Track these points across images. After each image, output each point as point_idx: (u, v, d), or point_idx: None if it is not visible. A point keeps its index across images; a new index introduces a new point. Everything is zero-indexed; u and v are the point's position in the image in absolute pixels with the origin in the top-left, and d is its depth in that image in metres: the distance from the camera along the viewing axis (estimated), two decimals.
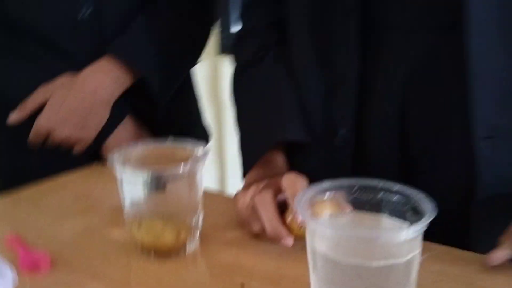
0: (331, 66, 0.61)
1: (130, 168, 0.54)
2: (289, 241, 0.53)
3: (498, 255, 0.50)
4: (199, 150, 0.55)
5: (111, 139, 0.75)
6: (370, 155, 0.62)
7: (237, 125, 0.69)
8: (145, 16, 0.77)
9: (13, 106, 0.74)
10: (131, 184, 0.54)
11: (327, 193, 0.45)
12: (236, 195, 0.60)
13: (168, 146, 0.57)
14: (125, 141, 0.74)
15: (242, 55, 0.72)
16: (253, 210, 0.55)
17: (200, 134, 0.93)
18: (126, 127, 0.76)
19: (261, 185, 0.58)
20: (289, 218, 0.53)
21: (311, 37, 0.63)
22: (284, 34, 0.67)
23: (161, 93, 0.77)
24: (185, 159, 0.54)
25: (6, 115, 0.75)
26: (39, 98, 0.73)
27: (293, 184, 0.54)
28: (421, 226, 0.40)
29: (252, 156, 0.62)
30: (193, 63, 0.87)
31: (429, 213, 0.40)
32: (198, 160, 0.54)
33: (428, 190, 0.45)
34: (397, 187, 0.44)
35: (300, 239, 0.49)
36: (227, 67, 1.73)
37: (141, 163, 0.55)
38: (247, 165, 0.63)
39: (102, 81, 0.73)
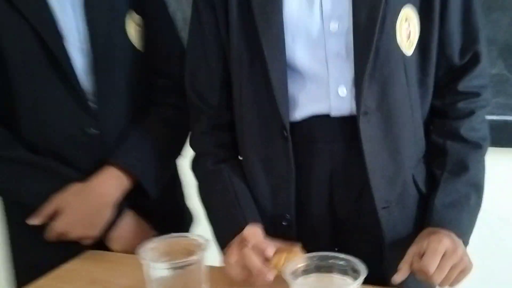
0: (275, 173, 0.86)
1: (155, 259, 0.74)
2: (271, 275, 0.73)
3: (399, 276, 0.77)
4: (204, 241, 0.77)
5: (114, 232, 0.93)
6: (309, 228, 0.88)
7: (209, 221, 0.91)
8: (139, 130, 0.97)
9: (29, 209, 0.90)
10: (157, 270, 0.74)
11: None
12: (225, 259, 0.81)
13: (180, 239, 0.79)
14: (125, 232, 0.94)
15: (200, 171, 0.93)
16: (241, 264, 0.76)
17: (186, 216, 1.12)
18: (126, 220, 0.94)
19: (236, 246, 0.79)
20: (273, 262, 0.75)
21: (258, 154, 0.87)
22: (232, 151, 0.91)
23: (155, 190, 0.96)
24: (196, 248, 0.75)
25: (23, 214, 0.90)
26: (53, 206, 0.90)
27: (253, 235, 0.79)
28: (361, 280, 0.66)
29: (224, 240, 0.85)
30: (179, 154, 1.05)
31: (363, 272, 0.67)
32: (205, 249, 0.76)
33: (352, 242, 0.72)
34: (342, 255, 0.71)
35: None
36: None
37: (164, 254, 0.76)
38: (222, 245, 0.86)
39: (107, 188, 0.91)
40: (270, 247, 0.76)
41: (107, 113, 0.96)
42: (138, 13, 0.98)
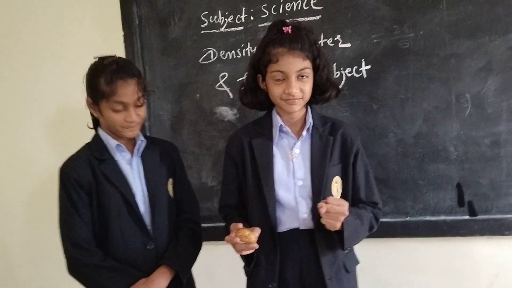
0: (269, 259, 1.46)
1: None
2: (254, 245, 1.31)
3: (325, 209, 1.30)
4: None
5: None
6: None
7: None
8: (176, 243, 1.54)
9: None
10: None
11: None
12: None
13: None
14: None
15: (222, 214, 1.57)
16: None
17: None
18: None
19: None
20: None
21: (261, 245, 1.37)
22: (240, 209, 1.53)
23: (186, 276, 1.52)
24: None
25: None
26: None
27: (235, 226, 1.34)
28: None
29: None
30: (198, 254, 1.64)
31: None
32: None
33: None
34: None
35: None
36: None
37: None
38: None
39: (163, 281, 1.47)
40: (240, 225, 1.33)
41: (158, 235, 1.52)
42: (172, 177, 1.62)
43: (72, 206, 1.46)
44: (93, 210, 1.48)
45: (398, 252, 1.94)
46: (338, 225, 1.30)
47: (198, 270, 1.65)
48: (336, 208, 1.28)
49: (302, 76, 1.38)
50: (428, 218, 1.87)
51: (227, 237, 1.33)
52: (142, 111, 1.50)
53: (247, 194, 1.48)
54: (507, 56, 1.77)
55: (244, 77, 1.77)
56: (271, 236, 1.42)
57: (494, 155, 1.81)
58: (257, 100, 1.49)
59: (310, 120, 1.45)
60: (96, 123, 1.59)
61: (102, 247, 1.49)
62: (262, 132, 1.47)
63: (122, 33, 2.06)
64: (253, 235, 1.28)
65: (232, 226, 1.33)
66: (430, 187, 1.86)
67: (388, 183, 1.89)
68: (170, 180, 1.60)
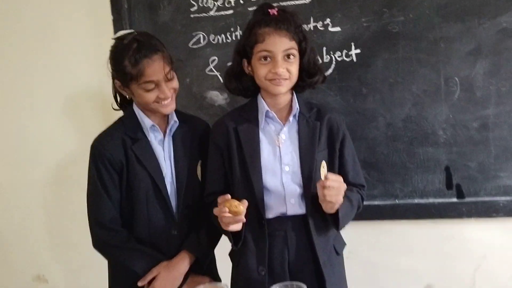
0: (258, 245, 1.46)
1: None
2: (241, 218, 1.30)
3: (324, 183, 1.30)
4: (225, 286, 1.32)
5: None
6: (276, 274, 1.41)
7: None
8: (198, 229, 1.53)
9: (133, 278, 1.46)
10: None
11: None
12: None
13: (212, 285, 1.32)
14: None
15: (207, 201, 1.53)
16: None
17: (216, 272, 1.66)
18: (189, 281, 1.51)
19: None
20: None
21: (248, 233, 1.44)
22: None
23: (206, 261, 1.53)
24: None
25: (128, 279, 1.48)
26: (154, 274, 1.45)
27: (223, 198, 1.30)
28: None
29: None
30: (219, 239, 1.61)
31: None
32: None
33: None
34: (293, 282, 1.19)
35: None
36: None
37: None
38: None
39: (184, 265, 1.47)
40: (229, 196, 1.29)
41: (183, 219, 1.52)
42: (202, 159, 1.56)
43: (101, 185, 1.47)
44: (122, 190, 1.48)
45: (387, 235, 1.96)
46: (340, 200, 1.31)
47: None
48: (338, 183, 1.30)
49: (289, 57, 1.38)
50: (416, 200, 1.89)
51: (215, 209, 1.31)
52: (175, 83, 1.48)
53: (233, 180, 1.48)
54: (496, 39, 1.77)
55: None
56: (259, 222, 1.42)
57: (482, 138, 1.82)
58: (242, 86, 1.49)
59: (296, 105, 1.45)
60: (123, 102, 1.58)
61: (128, 226, 1.50)
62: (248, 118, 1.47)
63: (111, 17, 2.04)
64: (242, 205, 1.27)
65: (220, 198, 1.31)
66: (418, 170, 1.87)
67: (377, 167, 1.90)
68: (199, 162, 1.57)
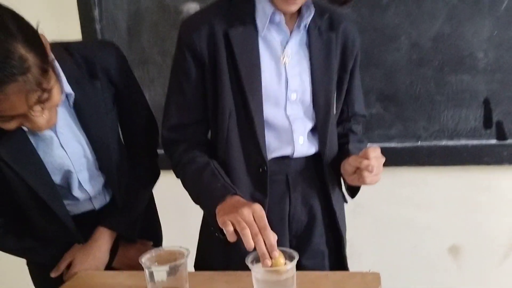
0: (255, 194, 1.11)
1: (155, 264, 0.94)
2: (268, 262, 0.86)
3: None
4: (186, 250, 0.97)
5: (114, 262, 1.28)
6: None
7: (195, 197, 1.09)
8: (123, 202, 1.28)
9: (48, 266, 1.25)
10: (156, 272, 0.93)
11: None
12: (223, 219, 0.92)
13: (168, 251, 0.98)
14: (124, 259, 1.30)
15: (174, 159, 1.14)
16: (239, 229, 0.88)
17: (158, 226, 1.46)
18: (120, 252, 1.30)
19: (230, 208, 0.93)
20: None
21: (242, 181, 1.09)
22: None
23: (133, 235, 1.30)
24: (180, 256, 0.95)
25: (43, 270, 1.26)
26: (67, 260, 1.23)
27: (262, 218, 0.89)
28: (295, 261, 0.84)
29: (212, 209, 0.98)
30: (147, 200, 1.37)
31: (296, 256, 0.86)
32: (187, 255, 0.95)
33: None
34: (283, 248, 0.89)
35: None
36: None
37: (158, 261, 0.96)
38: (211, 212, 0.98)
39: (104, 243, 1.25)
40: (276, 251, 0.89)
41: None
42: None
43: None
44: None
45: (404, 185, 1.75)
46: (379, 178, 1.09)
47: (164, 202, 1.44)
48: (380, 161, 1.05)
49: None
50: (444, 142, 1.68)
51: (247, 245, 0.90)
52: (54, 99, 0.96)
53: (218, 109, 1.10)
54: None
55: None
56: (259, 167, 1.11)
57: None
58: None
59: (312, 8, 1.07)
60: None
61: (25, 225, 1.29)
62: (243, 19, 1.07)
63: None
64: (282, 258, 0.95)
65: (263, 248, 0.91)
66: (449, 104, 1.65)
67: (397, 100, 1.67)
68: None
